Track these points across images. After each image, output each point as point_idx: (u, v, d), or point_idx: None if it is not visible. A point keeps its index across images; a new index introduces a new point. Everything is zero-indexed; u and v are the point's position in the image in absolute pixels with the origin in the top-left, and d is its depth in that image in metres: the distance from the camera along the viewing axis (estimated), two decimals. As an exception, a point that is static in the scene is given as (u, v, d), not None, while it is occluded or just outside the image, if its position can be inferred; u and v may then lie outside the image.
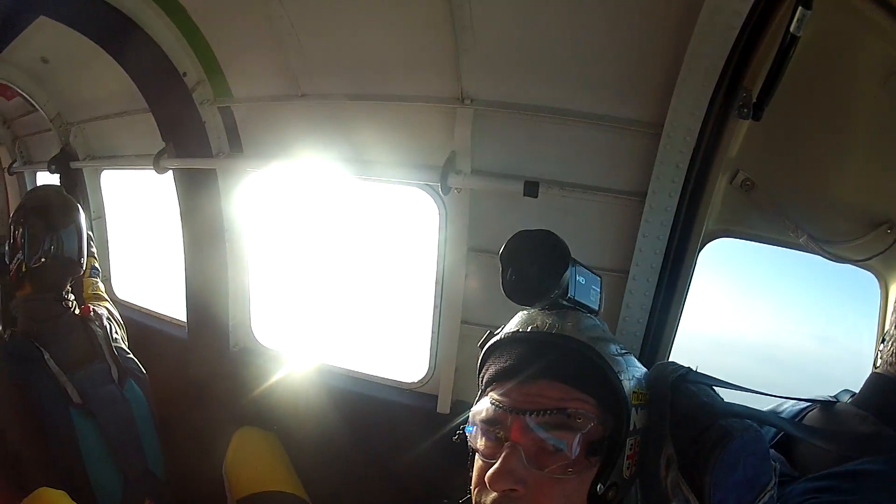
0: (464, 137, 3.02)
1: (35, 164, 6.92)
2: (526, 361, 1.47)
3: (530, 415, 1.40)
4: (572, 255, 1.52)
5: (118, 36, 3.92)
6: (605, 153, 2.88)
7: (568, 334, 1.47)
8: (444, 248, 3.37)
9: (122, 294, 5.60)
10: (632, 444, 1.45)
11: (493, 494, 1.40)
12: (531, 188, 2.84)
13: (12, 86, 5.74)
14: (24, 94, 5.78)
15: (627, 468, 1.45)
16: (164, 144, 4.30)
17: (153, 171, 4.33)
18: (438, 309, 3.50)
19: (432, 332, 3.57)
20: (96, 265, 4.25)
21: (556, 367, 1.44)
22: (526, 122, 2.94)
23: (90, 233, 4.03)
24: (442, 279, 3.43)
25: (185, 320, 4.63)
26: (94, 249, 4.25)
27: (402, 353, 3.99)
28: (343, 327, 4.62)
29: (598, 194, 2.92)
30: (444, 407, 3.53)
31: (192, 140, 4.10)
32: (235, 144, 4.07)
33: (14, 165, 7.23)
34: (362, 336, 4.53)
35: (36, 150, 6.94)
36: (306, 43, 3.34)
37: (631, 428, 1.44)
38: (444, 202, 3.32)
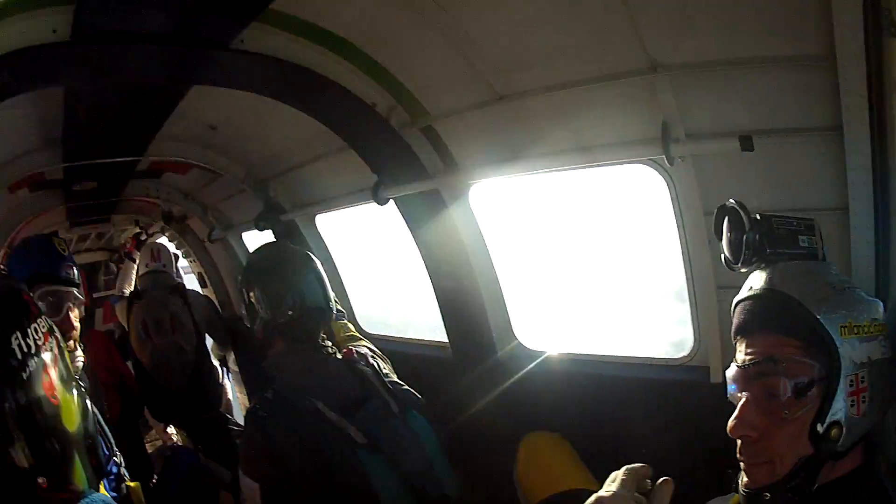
0: (669, 104, 2.92)
1: (236, 227, 7.24)
2: (744, 320, 1.64)
3: (746, 367, 1.57)
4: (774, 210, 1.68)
5: (294, 87, 3.93)
6: (788, 93, 2.75)
7: (771, 286, 1.61)
8: (682, 218, 3.23)
9: (371, 329, 5.73)
10: (852, 380, 1.48)
11: (739, 442, 1.57)
12: (746, 142, 2.75)
13: (185, 160, 6.00)
14: (201, 165, 6.02)
15: (852, 405, 1.48)
16: (376, 176, 4.32)
17: (372, 204, 4.36)
18: (691, 280, 3.36)
19: (690, 304, 3.41)
20: (339, 308, 4.35)
21: (763, 319, 1.59)
22: (716, 78, 2.81)
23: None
24: (687, 250, 3.29)
25: (446, 340, 4.68)
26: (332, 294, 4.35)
27: (655, 331, 3.89)
28: (596, 315, 4.58)
29: (799, 135, 2.78)
30: (716, 376, 3.42)
31: (404, 165, 4.09)
32: (449, 159, 4.02)
33: (213, 233, 7.62)
34: (616, 321, 4.48)
35: (232, 213, 7.28)
36: (487, 46, 3.25)
37: (847, 363, 1.47)
38: (669, 174, 3.18)
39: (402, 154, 4.06)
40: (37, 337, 1.98)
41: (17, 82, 3.68)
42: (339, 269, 5.88)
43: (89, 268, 11.96)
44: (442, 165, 4.04)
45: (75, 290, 3.71)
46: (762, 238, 1.66)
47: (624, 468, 1.46)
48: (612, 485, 1.43)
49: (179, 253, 9.05)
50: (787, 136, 2.81)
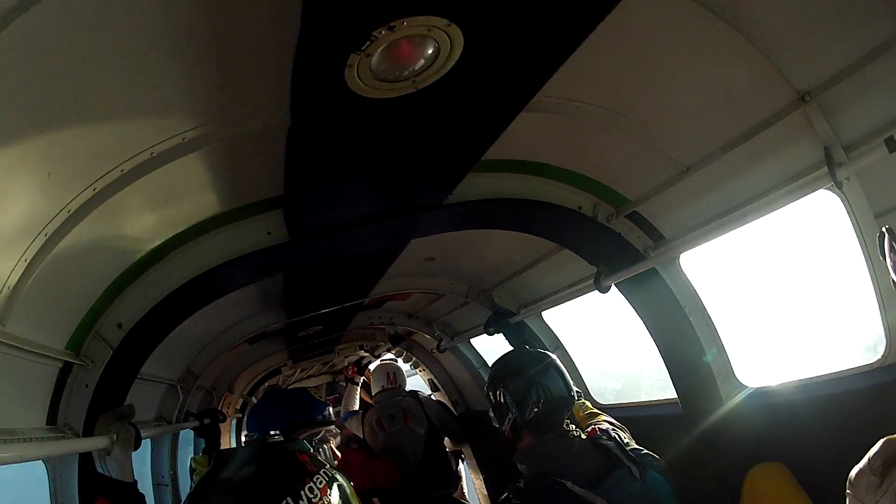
0: (824, 129, 3.00)
1: (463, 334, 7.88)
2: None
3: None
4: None
5: (504, 215, 4.44)
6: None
7: None
8: (859, 226, 3.24)
9: (603, 399, 6.08)
10: None
11: None
12: (892, 144, 2.75)
13: (406, 290, 6.63)
14: (424, 291, 6.64)
15: None
16: (594, 268, 4.73)
17: (595, 293, 4.71)
18: (876, 283, 3.32)
19: (878, 306, 3.38)
20: (576, 389, 4.67)
21: None
22: (860, 81, 2.81)
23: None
24: (868, 255, 3.28)
25: (675, 396, 4.88)
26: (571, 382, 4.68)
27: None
28: (797, 339, 4.60)
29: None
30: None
31: (619, 252, 4.47)
32: (657, 235, 4.37)
33: (441, 344, 8.27)
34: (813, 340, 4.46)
35: (458, 323, 7.93)
36: (663, 128, 3.60)
37: None
38: (840, 191, 3.20)
39: (614, 243, 4.45)
40: (312, 495, 2.36)
41: (241, 280, 4.34)
42: (570, 354, 6.29)
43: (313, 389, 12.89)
44: (652, 243, 4.40)
45: (333, 427, 4.44)
46: None
47: None
48: None
49: (407, 365, 9.80)
50: None
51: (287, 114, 2.71)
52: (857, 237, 3.23)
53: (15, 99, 2.14)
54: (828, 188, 3.22)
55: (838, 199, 3.22)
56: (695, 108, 3.42)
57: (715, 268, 4.83)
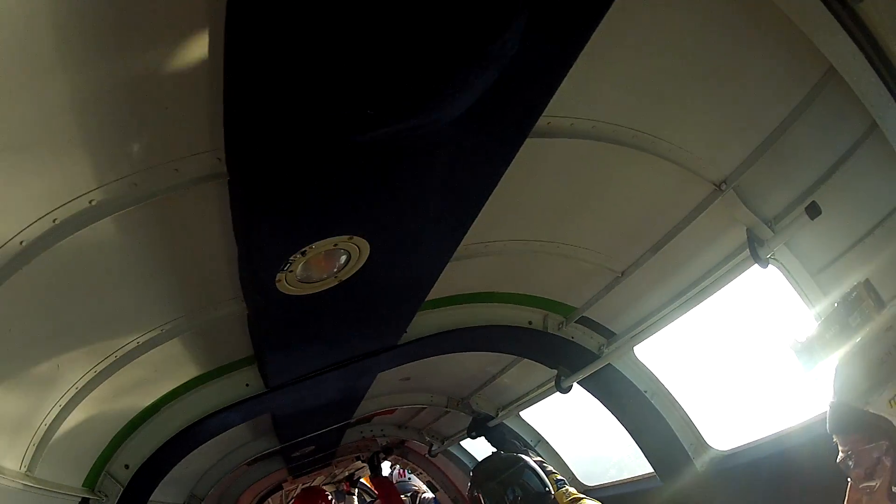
0: (744, 213, 3.15)
1: (451, 438, 8.08)
2: None
3: None
4: None
5: (461, 340, 4.74)
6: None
7: None
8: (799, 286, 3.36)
9: (589, 481, 6.29)
10: None
11: None
12: (814, 210, 2.89)
13: (390, 407, 7.08)
14: (406, 405, 7.09)
15: None
16: (554, 371, 4.98)
17: (558, 393, 5.11)
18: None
19: None
20: (559, 477, 4.87)
21: None
22: (773, 155, 2.96)
23: (540, 459, 4.75)
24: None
25: (651, 470, 5.09)
26: (549, 468, 4.81)
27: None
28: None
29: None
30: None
31: (573, 355, 4.73)
32: (608, 333, 4.63)
33: (433, 449, 8.58)
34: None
35: (445, 429, 8.12)
36: (593, 245, 3.90)
37: None
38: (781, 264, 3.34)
39: (567, 348, 4.72)
40: None
41: (229, 424, 4.77)
42: (553, 446, 6.53)
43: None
44: (605, 341, 4.64)
45: None
46: None
47: None
48: None
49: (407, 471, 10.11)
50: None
51: (242, 302, 3.25)
52: (801, 296, 3.33)
53: (42, 313, 2.85)
54: (759, 264, 3.31)
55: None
56: (619, 221, 3.67)
57: (677, 343, 5.19)
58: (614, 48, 2.34)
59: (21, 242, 2.36)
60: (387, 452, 9.77)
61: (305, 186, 2.18)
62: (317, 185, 2.19)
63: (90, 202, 2.35)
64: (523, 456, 4.42)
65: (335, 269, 2.79)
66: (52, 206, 2.32)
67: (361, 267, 2.83)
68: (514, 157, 2.45)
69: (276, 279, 2.68)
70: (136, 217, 2.49)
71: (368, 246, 2.67)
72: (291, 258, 2.56)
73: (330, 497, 7.40)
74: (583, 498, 4.35)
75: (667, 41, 2.52)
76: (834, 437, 2.07)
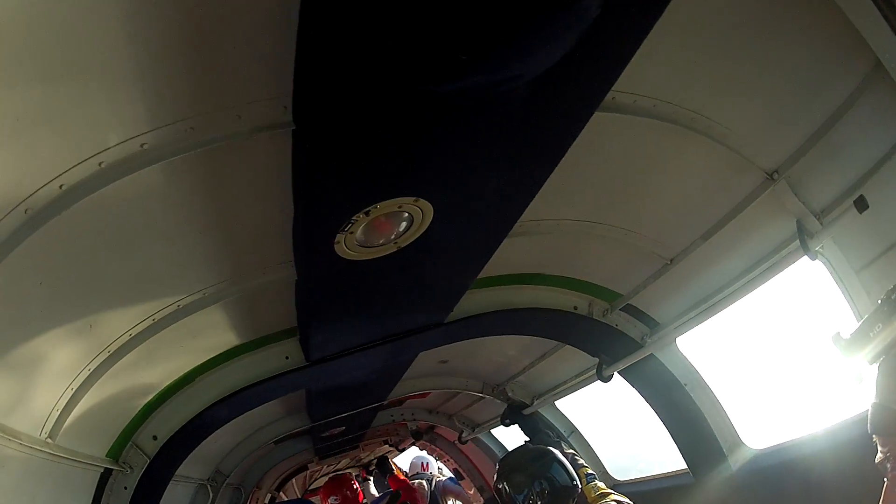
0: (794, 203, 3.14)
1: (482, 426, 8.05)
2: None
3: None
4: None
5: (504, 323, 4.68)
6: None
7: None
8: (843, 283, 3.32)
9: (621, 476, 6.24)
10: None
11: None
12: (861, 203, 2.88)
13: (424, 391, 6.95)
14: (440, 389, 6.94)
15: None
16: (595, 360, 4.93)
17: (599, 382, 4.96)
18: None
19: None
20: (589, 471, 4.75)
21: None
22: (824, 145, 2.94)
23: (573, 451, 4.72)
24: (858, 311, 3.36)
25: (685, 467, 5.02)
26: (581, 461, 4.77)
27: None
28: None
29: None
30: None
31: (617, 344, 4.68)
32: (652, 323, 4.59)
33: (463, 436, 8.50)
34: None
35: (477, 416, 8.12)
36: (643, 228, 3.85)
37: None
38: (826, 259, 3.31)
39: (611, 335, 4.68)
40: None
41: (264, 399, 4.70)
42: (586, 438, 6.48)
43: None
44: (648, 330, 4.61)
45: None
46: None
47: None
48: None
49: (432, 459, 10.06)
50: None
51: (293, 268, 3.12)
52: (843, 293, 3.31)
53: (77, 265, 2.68)
54: (808, 256, 3.29)
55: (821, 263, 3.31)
56: (671, 206, 3.64)
57: (717, 337, 5.06)
58: (678, 26, 2.31)
59: (61, 186, 2.22)
60: (416, 437, 9.78)
61: (378, 140, 2.10)
62: (390, 140, 2.11)
63: (142, 145, 2.20)
64: (552, 449, 4.31)
65: (395, 235, 2.74)
66: (98, 147, 2.17)
67: (422, 234, 2.78)
68: (582, 129, 2.41)
69: (336, 240, 2.60)
70: (188, 165, 2.36)
71: (432, 211, 2.61)
72: (354, 218, 2.48)
73: (356, 486, 7.49)
74: (610, 493, 4.30)
75: (729, 24, 2.51)
76: (874, 437, 2.01)
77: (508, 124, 2.20)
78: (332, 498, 7.63)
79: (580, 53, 1.81)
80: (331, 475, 10.74)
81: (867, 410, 2.02)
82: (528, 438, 5.70)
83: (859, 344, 2.15)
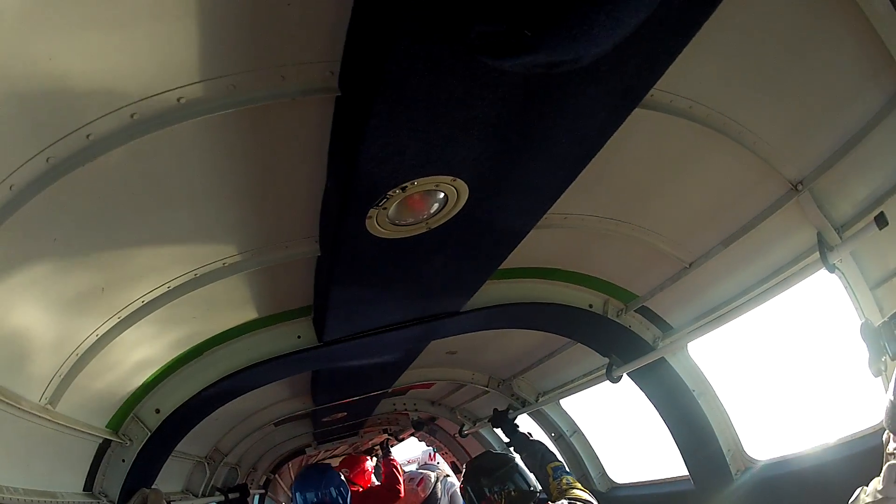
0: (816, 215, 3.14)
1: (484, 420, 8.04)
2: None
3: None
4: None
5: (519, 316, 4.71)
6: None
7: None
8: (856, 297, 3.33)
9: (621, 479, 6.26)
10: None
11: None
12: (881, 220, 2.87)
13: (429, 381, 6.91)
14: (446, 380, 6.89)
15: None
16: (603, 361, 4.94)
17: (607, 383, 4.93)
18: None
19: None
20: (558, 466, 4.56)
21: None
22: (849, 158, 2.93)
23: (553, 451, 4.69)
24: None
25: (686, 473, 5.02)
26: (555, 461, 4.64)
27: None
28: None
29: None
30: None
31: (629, 345, 4.69)
32: (665, 326, 4.59)
33: (464, 429, 8.47)
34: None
35: (480, 410, 8.15)
36: (663, 230, 3.85)
37: None
38: (842, 273, 3.31)
39: (624, 336, 4.69)
40: None
41: (273, 377, 4.71)
42: (587, 438, 6.50)
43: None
44: (661, 334, 4.62)
45: None
46: None
47: None
48: None
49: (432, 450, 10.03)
50: None
51: (316, 243, 3.06)
52: (856, 309, 3.32)
53: (95, 223, 2.60)
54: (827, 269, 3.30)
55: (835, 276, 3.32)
56: (693, 209, 3.65)
57: (726, 345, 5.03)
58: (718, 29, 2.26)
59: (88, 136, 2.11)
60: (417, 427, 9.76)
61: (424, 115, 2.05)
62: (436, 115, 2.07)
63: (178, 99, 2.10)
64: (513, 456, 4.66)
65: (427, 215, 2.72)
66: (131, 98, 2.06)
67: (454, 216, 2.77)
68: (622, 123, 2.40)
69: (368, 215, 2.55)
70: (224, 124, 2.28)
71: (467, 192, 2.59)
72: (390, 193, 2.44)
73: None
74: (574, 489, 4.29)
75: (766, 32, 2.53)
76: (890, 434, 2.10)
77: (558, 111, 2.18)
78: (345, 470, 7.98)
79: (634, 42, 1.78)
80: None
81: (885, 407, 2.07)
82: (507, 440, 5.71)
83: (887, 336, 2.15)
